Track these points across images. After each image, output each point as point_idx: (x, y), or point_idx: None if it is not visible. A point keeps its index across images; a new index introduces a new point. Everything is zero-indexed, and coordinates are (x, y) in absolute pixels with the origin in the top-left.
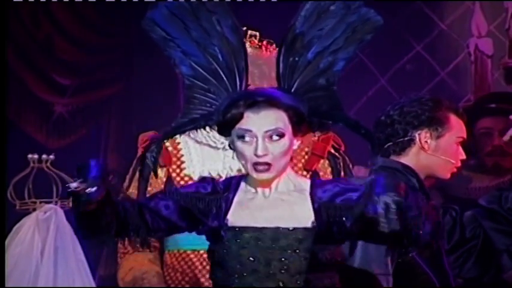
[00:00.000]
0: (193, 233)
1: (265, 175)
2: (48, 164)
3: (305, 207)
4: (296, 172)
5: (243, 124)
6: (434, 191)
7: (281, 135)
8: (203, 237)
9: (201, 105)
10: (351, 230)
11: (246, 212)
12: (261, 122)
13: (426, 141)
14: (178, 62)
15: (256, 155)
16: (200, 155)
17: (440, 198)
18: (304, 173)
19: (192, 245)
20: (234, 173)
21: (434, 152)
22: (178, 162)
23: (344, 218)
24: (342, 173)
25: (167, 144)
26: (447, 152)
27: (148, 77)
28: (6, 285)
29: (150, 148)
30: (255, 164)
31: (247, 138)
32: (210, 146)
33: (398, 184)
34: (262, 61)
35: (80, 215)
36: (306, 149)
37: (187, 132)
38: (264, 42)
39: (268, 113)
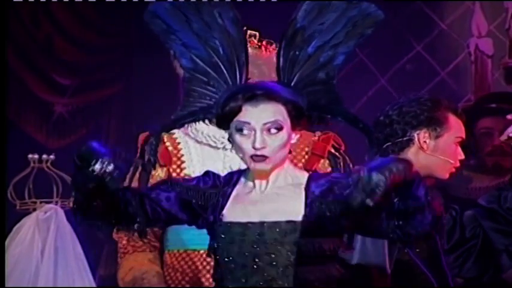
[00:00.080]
0: (193, 233)
1: (262, 165)
2: (48, 164)
3: (299, 201)
4: None
5: (241, 117)
6: (434, 191)
7: (279, 129)
8: (203, 236)
9: (200, 98)
10: (343, 224)
11: (240, 206)
12: (259, 115)
13: (425, 141)
14: (179, 55)
15: (254, 148)
16: (200, 155)
17: (440, 198)
18: None
19: (192, 244)
20: None
21: (433, 152)
22: (179, 162)
23: (336, 213)
24: None
25: (167, 144)
26: (446, 152)
27: (148, 77)
28: (6, 285)
29: (149, 141)
30: (253, 156)
31: (245, 131)
32: (210, 145)
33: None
34: (261, 61)
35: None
36: (306, 149)
37: (187, 132)
38: (264, 42)
39: (266, 106)
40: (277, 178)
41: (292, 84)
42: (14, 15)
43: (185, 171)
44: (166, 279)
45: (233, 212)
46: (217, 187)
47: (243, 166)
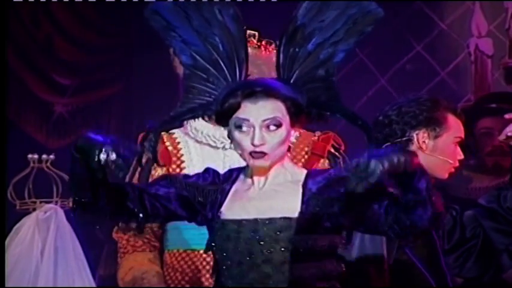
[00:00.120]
0: (193, 233)
1: (261, 162)
2: (48, 164)
3: (296, 198)
4: None
5: (240, 113)
6: (434, 191)
7: (278, 125)
8: (203, 236)
9: (199, 95)
10: (341, 221)
11: (238, 203)
12: (258, 111)
13: (424, 141)
14: (179, 52)
15: (253, 144)
16: (200, 155)
17: (440, 198)
18: None
19: (192, 244)
20: None
21: (432, 152)
22: (178, 162)
23: (333, 210)
24: None
25: (167, 143)
26: (445, 152)
27: (148, 77)
28: (6, 285)
29: (148, 137)
30: (252, 153)
31: (244, 128)
32: (210, 145)
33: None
34: (261, 61)
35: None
36: (306, 149)
37: (186, 131)
38: (263, 42)
39: (265, 103)
40: (276, 175)
41: (291, 81)
42: (14, 15)
43: (185, 171)
44: (166, 279)
45: (231, 209)
46: (216, 184)
47: (243, 165)
